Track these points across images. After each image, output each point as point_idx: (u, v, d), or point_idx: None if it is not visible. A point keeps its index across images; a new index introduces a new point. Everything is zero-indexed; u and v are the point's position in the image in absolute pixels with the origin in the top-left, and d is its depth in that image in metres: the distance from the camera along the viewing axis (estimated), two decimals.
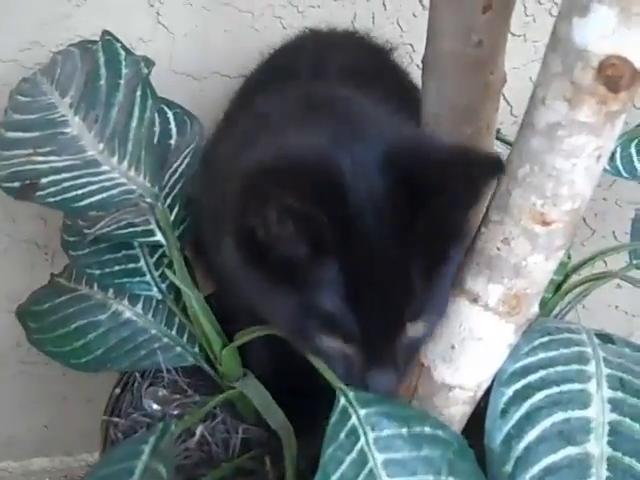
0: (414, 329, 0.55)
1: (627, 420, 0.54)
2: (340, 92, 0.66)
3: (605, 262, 0.98)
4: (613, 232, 1.15)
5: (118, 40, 0.82)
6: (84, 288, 0.79)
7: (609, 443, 0.54)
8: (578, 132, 0.46)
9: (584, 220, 1.11)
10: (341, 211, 0.52)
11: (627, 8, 0.41)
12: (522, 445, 0.54)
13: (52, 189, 0.70)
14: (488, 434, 0.55)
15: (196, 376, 0.75)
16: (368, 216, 0.53)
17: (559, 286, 0.74)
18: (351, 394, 0.54)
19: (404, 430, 0.53)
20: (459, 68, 0.60)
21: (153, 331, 0.75)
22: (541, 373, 0.57)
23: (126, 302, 0.76)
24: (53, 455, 1.29)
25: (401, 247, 0.53)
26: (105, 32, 0.83)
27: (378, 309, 0.53)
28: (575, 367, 0.57)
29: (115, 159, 0.73)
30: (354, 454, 0.51)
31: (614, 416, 0.55)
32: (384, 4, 0.98)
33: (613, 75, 0.43)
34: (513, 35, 0.99)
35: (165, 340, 0.74)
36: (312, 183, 0.51)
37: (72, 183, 0.70)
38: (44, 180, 0.70)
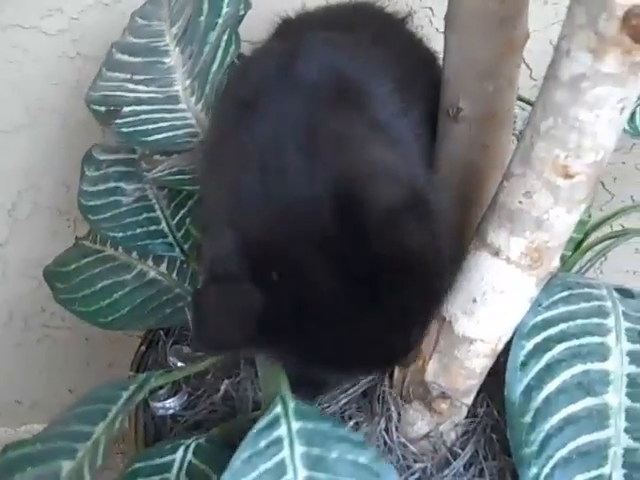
0: None
1: None
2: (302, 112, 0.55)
3: (622, 226, 0.98)
4: (631, 196, 1.15)
5: None
6: (109, 249, 0.80)
7: (628, 395, 0.55)
8: (602, 83, 0.46)
9: (602, 184, 1.11)
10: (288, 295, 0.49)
11: None
12: (542, 396, 0.56)
13: (130, 119, 0.72)
14: (508, 386, 0.57)
15: None
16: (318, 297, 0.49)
17: (579, 244, 0.75)
18: (292, 405, 0.52)
19: (334, 454, 0.50)
20: (482, 23, 0.60)
21: (177, 290, 0.76)
22: (561, 326, 0.58)
23: (150, 262, 0.78)
24: None
25: (361, 321, 0.50)
26: None
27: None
28: (595, 320, 0.58)
29: (194, 99, 0.74)
30: (270, 464, 0.49)
31: (633, 368, 0.56)
32: None
33: (638, 25, 0.43)
34: None
35: (189, 298, 0.74)
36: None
37: (148, 116, 0.72)
38: (126, 109, 0.72)
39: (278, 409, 0.52)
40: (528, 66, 1.02)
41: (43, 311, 1.17)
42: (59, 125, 1.03)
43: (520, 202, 0.53)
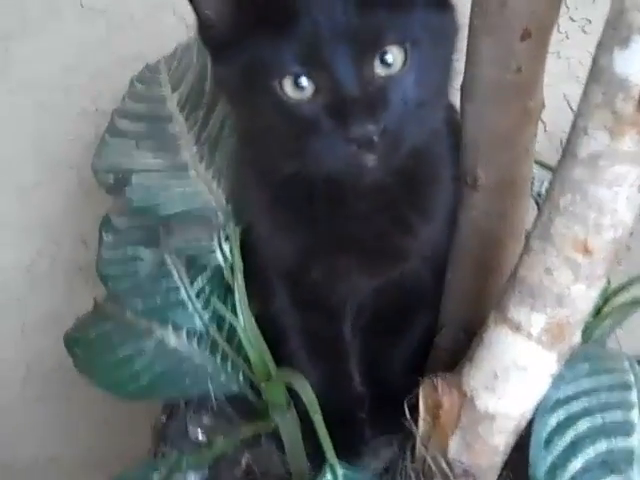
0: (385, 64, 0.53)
1: None
2: None
3: None
4: None
5: None
6: (129, 314, 0.77)
7: None
8: (620, 162, 0.46)
9: None
10: None
11: None
12: (567, 475, 0.54)
13: (140, 189, 0.71)
14: (533, 464, 0.56)
15: (242, 403, 0.74)
16: None
17: (599, 310, 0.74)
18: (340, 472, 0.55)
19: None
20: (498, 94, 0.61)
21: (197, 360, 0.74)
22: (584, 401, 0.57)
23: (171, 330, 0.75)
24: (96, 477, 1.30)
25: None
26: None
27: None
28: (618, 395, 0.57)
29: (203, 165, 0.74)
30: None
31: None
32: None
33: None
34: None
35: (210, 369, 0.73)
36: None
37: (158, 187, 0.71)
38: (135, 178, 0.72)
39: (329, 476, 0.54)
40: (542, 120, 1.02)
41: (61, 368, 1.16)
42: (77, 181, 1.05)
43: (541, 278, 0.52)
